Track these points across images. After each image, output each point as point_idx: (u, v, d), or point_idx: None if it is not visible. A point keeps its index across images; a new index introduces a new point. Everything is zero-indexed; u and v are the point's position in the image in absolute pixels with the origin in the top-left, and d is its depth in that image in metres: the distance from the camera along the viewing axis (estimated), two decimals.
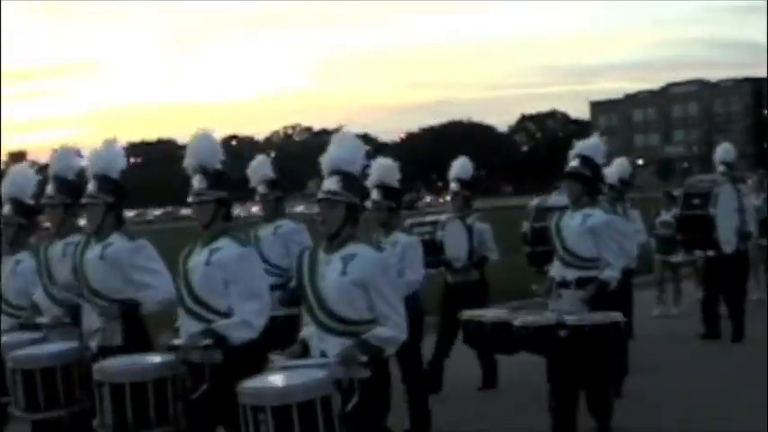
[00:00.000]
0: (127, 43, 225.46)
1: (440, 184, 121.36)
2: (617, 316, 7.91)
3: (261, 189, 9.63)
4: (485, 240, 10.83)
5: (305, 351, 5.84)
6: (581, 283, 8.42)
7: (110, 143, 7.22)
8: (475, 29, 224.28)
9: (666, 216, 15.63)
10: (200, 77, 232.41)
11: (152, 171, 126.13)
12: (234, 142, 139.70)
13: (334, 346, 5.68)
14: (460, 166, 10.94)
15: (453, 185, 10.85)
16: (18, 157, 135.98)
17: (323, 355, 5.71)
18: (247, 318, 6.10)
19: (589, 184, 8.59)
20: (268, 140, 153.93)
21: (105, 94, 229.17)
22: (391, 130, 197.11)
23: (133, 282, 6.85)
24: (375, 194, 8.79)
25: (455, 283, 10.66)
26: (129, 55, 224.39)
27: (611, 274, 8.43)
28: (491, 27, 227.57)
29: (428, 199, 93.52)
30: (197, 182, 6.37)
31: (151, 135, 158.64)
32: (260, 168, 9.73)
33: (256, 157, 9.94)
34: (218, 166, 6.46)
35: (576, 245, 8.50)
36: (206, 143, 6.54)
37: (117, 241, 6.94)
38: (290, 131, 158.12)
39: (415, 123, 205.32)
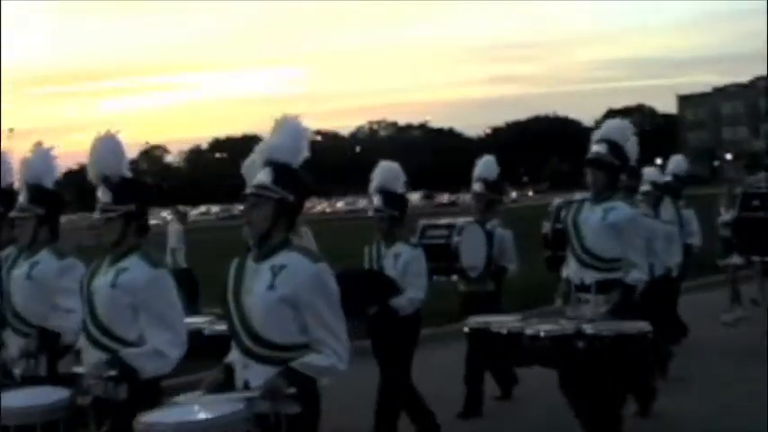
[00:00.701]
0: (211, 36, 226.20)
1: (525, 179, 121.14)
2: (644, 326, 7.00)
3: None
4: (505, 249, 9.93)
5: (229, 380, 4.89)
6: (601, 286, 7.46)
7: (42, 150, 6.44)
8: (559, 22, 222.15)
9: (726, 216, 14.55)
10: (287, 72, 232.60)
11: (237, 167, 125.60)
12: (318, 137, 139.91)
13: (258, 375, 4.74)
14: (485, 166, 10.11)
15: (476, 186, 9.99)
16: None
17: (246, 385, 4.78)
18: (160, 347, 5.14)
19: (614, 174, 7.64)
20: (353, 135, 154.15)
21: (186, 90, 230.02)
22: (476, 126, 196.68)
23: (58, 307, 6.04)
24: (376, 201, 8.20)
25: (467, 292, 9.77)
26: (219, 49, 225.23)
27: (638, 276, 7.45)
28: (576, 20, 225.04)
29: (514, 194, 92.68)
30: (101, 194, 5.45)
31: (236, 131, 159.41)
32: (254, 168, 8.59)
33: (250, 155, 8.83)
34: (125, 175, 5.54)
35: (595, 243, 7.51)
36: (107, 149, 5.58)
37: (45, 260, 6.14)
38: (375, 126, 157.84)
39: (500, 118, 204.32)
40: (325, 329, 4.71)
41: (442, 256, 9.02)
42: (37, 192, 6.24)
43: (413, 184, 16.08)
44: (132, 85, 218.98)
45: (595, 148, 7.65)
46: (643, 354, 7.34)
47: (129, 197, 5.44)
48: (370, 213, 8.22)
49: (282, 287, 4.71)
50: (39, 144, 6.45)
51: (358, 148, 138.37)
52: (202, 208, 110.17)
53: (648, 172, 11.12)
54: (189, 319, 7.75)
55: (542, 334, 6.96)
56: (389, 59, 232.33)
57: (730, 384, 10.39)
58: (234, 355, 4.88)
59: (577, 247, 7.58)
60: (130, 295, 5.25)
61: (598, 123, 8.77)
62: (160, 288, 5.28)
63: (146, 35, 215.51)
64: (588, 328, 6.89)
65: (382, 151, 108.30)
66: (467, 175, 10.23)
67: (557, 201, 10.49)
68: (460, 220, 9.78)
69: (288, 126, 5.02)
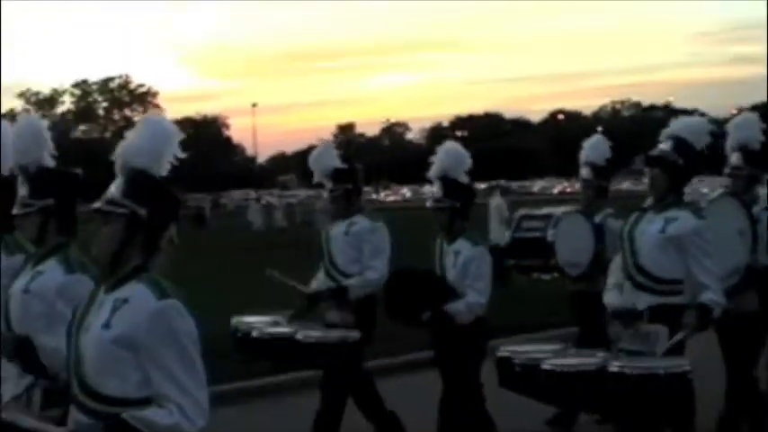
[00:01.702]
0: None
1: None
2: (683, 364, 6.01)
3: (327, 182, 8.19)
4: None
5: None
6: (656, 313, 6.40)
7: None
8: None
9: None
10: (525, 52, 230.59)
11: (477, 145, 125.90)
12: (561, 116, 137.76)
13: None
14: (593, 148, 9.02)
15: (584, 172, 8.90)
16: (346, 128, 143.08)
17: None
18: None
19: (679, 176, 6.61)
20: (595, 115, 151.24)
21: (429, 69, 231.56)
22: (720, 107, 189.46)
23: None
24: (436, 189, 7.55)
25: (574, 292, 8.83)
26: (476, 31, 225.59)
27: (713, 298, 6.37)
28: None
29: None
30: (20, 187, 4.88)
31: (478, 109, 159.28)
32: (323, 158, 8.28)
33: (321, 144, 8.54)
34: (45, 164, 4.96)
35: (651, 260, 6.48)
36: (26, 134, 5.01)
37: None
38: (618, 106, 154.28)
39: (745, 100, 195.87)
40: (170, 382, 3.76)
41: (537, 252, 8.38)
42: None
43: None
44: (375, 62, 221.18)
45: (661, 145, 6.77)
46: (680, 398, 6.11)
47: (48, 190, 4.85)
48: (428, 204, 7.60)
49: (118, 326, 3.81)
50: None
51: (599, 128, 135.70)
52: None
53: None
54: (248, 319, 7.83)
55: (558, 369, 6.13)
56: (631, 39, 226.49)
57: None
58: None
59: (630, 264, 6.57)
60: (42, 302, 4.74)
61: None
62: (72, 295, 4.61)
63: (389, 15, 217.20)
64: (613, 366, 5.98)
65: (623, 131, 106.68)
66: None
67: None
68: (560, 210, 8.89)
69: (148, 126, 4.15)
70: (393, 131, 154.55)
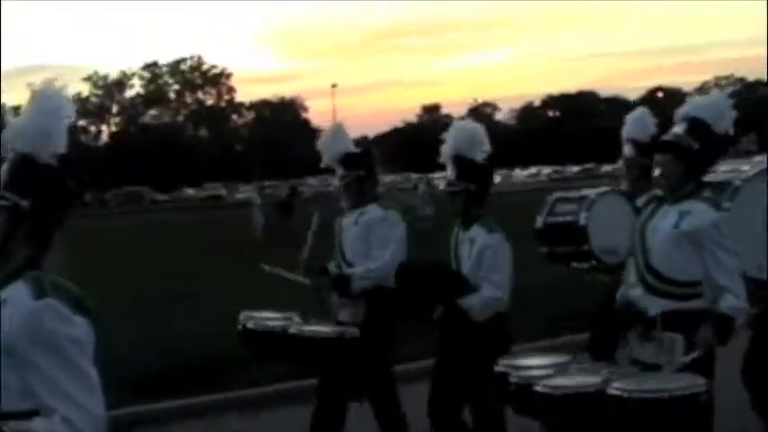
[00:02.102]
0: None
1: None
2: (695, 385, 5.39)
3: (338, 168, 7.83)
4: None
5: None
6: (669, 320, 5.87)
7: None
8: None
9: None
10: (615, 27, 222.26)
11: (570, 125, 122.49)
12: (659, 94, 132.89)
13: None
14: (635, 122, 8.34)
15: (627, 149, 8.25)
16: (431, 109, 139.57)
17: None
18: None
19: (695, 163, 6.03)
20: (698, 92, 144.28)
21: (517, 45, 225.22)
22: None
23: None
24: (450, 172, 7.21)
25: (612, 287, 7.54)
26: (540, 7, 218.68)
27: (734, 303, 5.73)
28: None
29: None
30: None
31: (571, 87, 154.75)
32: (334, 141, 7.89)
33: (331, 126, 8.26)
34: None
35: (663, 259, 5.96)
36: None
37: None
38: (722, 82, 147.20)
39: None
40: (53, 393, 3.47)
41: (565, 238, 7.65)
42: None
43: None
44: (462, 40, 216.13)
45: (675, 128, 6.19)
46: (683, 422, 5.39)
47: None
48: (441, 187, 7.27)
49: None
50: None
51: None
52: (533, 169, 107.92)
53: None
54: (257, 313, 7.65)
55: (553, 392, 5.66)
56: (735, 10, 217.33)
57: None
58: None
59: (641, 264, 6.11)
60: None
61: None
62: None
63: None
64: (612, 388, 5.46)
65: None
66: None
67: None
68: (592, 192, 7.97)
69: (35, 101, 3.72)
70: (481, 112, 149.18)
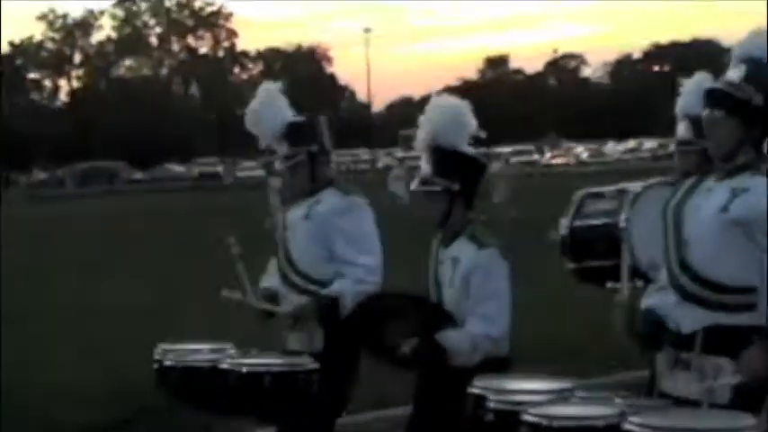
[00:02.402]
0: None
1: None
2: (748, 427, 5.26)
3: (279, 146, 7.96)
4: None
5: None
6: (712, 339, 5.72)
7: None
8: None
9: None
10: None
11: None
12: None
13: None
14: (693, 93, 8.00)
15: (681, 128, 8.34)
16: (497, 63, 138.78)
17: None
18: None
19: (759, 124, 5.79)
20: None
21: None
22: None
23: None
24: (424, 165, 7.19)
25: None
26: None
27: None
28: None
29: None
30: None
31: (684, 34, 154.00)
32: (268, 111, 7.97)
33: (261, 91, 8.12)
34: None
35: (705, 255, 5.78)
36: None
37: None
38: None
39: None
40: None
41: (603, 248, 7.74)
42: None
43: None
44: None
45: (728, 74, 5.94)
46: None
47: None
48: (414, 186, 7.33)
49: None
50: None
51: None
52: (631, 143, 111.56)
53: None
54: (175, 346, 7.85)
55: (548, 423, 5.68)
56: None
57: None
58: None
59: (674, 261, 5.94)
60: None
61: None
62: None
63: None
64: (630, 422, 5.44)
65: None
66: None
67: None
68: (635, 185, 8.08)
69: None
70: (563, 67, 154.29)
